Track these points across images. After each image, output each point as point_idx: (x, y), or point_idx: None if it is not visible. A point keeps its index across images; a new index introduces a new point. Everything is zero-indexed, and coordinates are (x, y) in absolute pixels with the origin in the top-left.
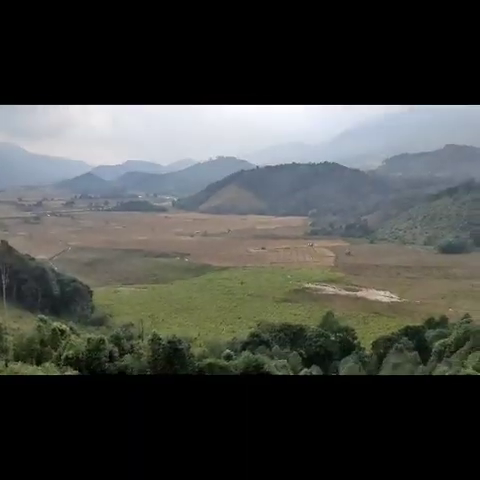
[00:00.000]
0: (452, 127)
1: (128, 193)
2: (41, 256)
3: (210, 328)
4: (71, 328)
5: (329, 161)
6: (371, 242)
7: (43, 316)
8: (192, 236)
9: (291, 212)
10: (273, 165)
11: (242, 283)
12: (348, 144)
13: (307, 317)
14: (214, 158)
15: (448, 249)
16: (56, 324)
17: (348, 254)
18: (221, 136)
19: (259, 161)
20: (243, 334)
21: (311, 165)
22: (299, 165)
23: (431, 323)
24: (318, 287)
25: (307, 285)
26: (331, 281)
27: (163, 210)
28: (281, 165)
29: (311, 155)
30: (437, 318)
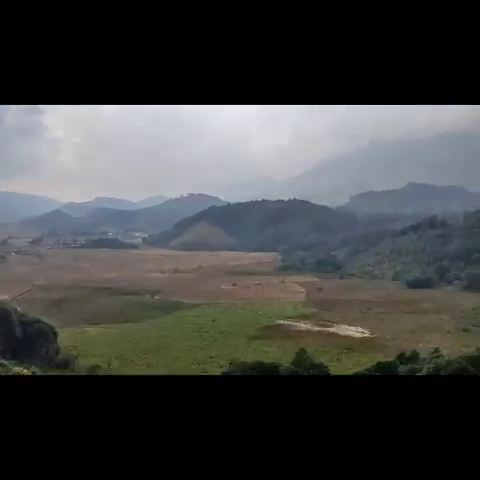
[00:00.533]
0: (411, 166)
1: (98, 230)
2: (4, 296)
3: (181, 368)
4: (33, 373)
5: (297, 198)
6: (341, 277)
7: (3, 361)
8: (162, 273)
9: (262, 248)
10: (243, 201)
11: (213, 320)
12: (315, 180)
13: (280, 354)
14: (185, 194)
15: (415, 284)
16: (17, 369)
17: (319, 289)
18: (192, 172)
19: (229, 197)
20: (215, 374)
21: (280, 201)
22: (268, 201)
23: (402, 358)
24: (290, 323)
25: (279, 321)
26: (303, 317)
27: (133, 247)
28: (251, 201)
29: (280, 192)
30: (408, 353)
